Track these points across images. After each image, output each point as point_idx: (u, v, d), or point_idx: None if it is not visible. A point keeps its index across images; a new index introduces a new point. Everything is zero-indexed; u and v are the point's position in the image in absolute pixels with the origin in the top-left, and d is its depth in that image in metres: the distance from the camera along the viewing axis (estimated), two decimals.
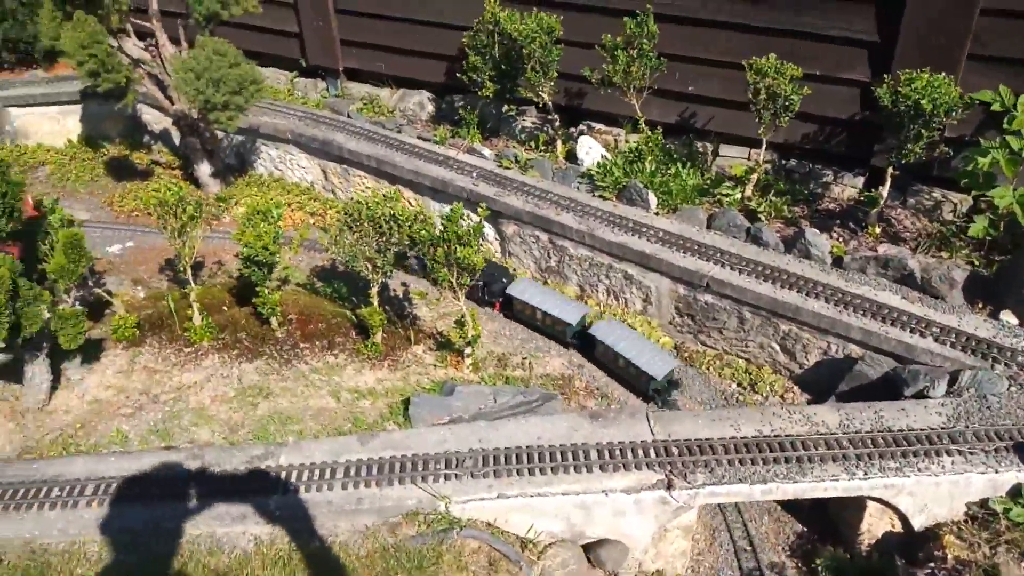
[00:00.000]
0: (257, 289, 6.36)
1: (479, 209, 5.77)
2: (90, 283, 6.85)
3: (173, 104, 8.28)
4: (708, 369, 6.77)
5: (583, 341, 6.73)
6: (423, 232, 5.79)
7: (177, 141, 9.92)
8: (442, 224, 5.72)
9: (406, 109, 9.17)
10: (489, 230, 7.81)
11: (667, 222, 7.07)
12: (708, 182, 7.56)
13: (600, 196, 7.43)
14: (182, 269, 6.43)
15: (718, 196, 7.39)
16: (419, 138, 8.52)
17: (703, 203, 7.38)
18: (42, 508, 4.82)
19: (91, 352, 6.32)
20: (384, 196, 6.17)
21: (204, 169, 8.88)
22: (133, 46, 8.06)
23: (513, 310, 7.08)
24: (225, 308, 7.04)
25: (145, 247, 8.28)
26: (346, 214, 6.16)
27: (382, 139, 8.45)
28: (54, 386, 6.01)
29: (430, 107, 9.17)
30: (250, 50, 8.25)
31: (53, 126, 10.16)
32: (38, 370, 5.77)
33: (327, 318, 6.93)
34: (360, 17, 9.03)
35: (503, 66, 7.86)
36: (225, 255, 8.16)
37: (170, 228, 6.17)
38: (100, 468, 5.05)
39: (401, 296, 7.53)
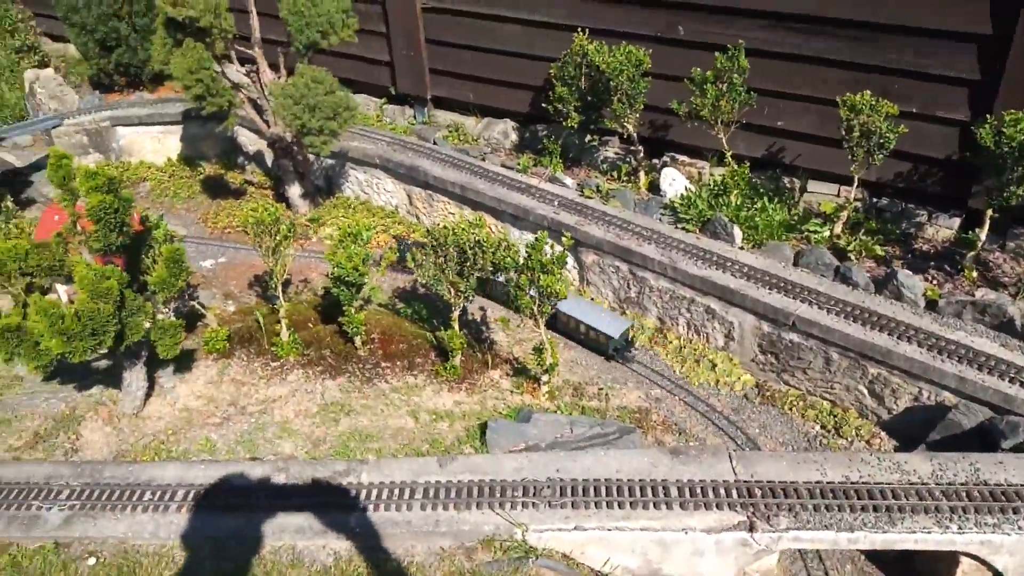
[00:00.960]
0: (344, 308, 6.54)
1: (563, 238, 5.80)
2: (185, 295, 7.18)
3: (270, 127, 8.64)
4: (791, 410, 6.59)
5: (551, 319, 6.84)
6: (508, 259, 5.86)
7: (270, 163, 10.34)
8: (526, 252, 5.78)
9: (490, 137, 9.32)
10: (568, 258, 7.84)
11: (752, 257, 6.96)
12: (795, 218, 7.43)
13: (683, 228, 7.38)
14: (273, 286, 6.67)
15: (806, 233, 7.24)
16: (502, 166, 8.65)
17: (790, 239, 7.24)
18: (135, 511, 5.01)
19: (183, 362, 6.59)
20: (469, 223, 6.28)
21: (295, 190, 9.21)
22: (235, 72, 8.46)
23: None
24: (311, 325, 7.25)
25: (236, 262, 8.62)
26: (432, 238, 6.29)
27: (466, 166, 8.61)
28: (148, 393, 6.29)
29: (513, 136, 9.31)
30: (343, 77, 8.55)
31: (155, 145, 10.72)
32: (135, 377, 6.04)
33: (408, 339, 7.06)
34: (450, 48, 9.26)
35: (589, 97, 7.94)
36: (311, 273, 8.42)
37: (264, 247, 6.41)
38: (189, 475, 5.24)
39: (479, 320, 7.62)
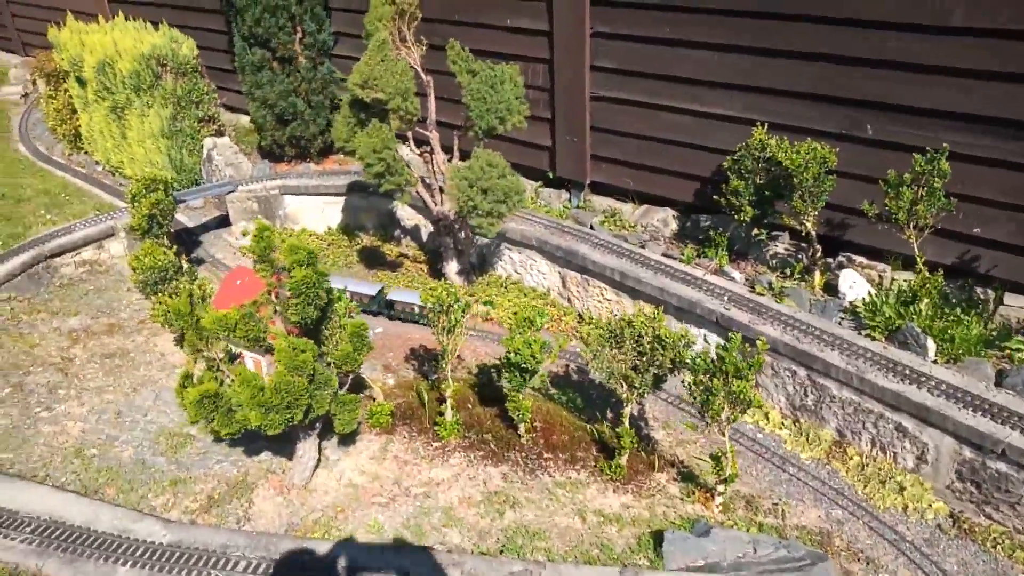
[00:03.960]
0: (510, 394, 6.43)
1: (759, 342, 5.51)
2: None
3: (437, 206, 8.84)
4: (994, 548, 5.91)
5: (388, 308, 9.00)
6: (699, 361, 5.60)
7: (425, 237, 10.59)
8: (717, 353, 5.52)
9: (648, 225, 9.20)
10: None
11: (948, 373, 6.42)
12: (992, 333, 6.85)
13: (868, 335, 6.93)
14: (443, 366, 6.65)
15: (1007, 350, 6.65)
16: (664, 255, 8.47)
17: (989, 356, 6.66)
18: None
19: (348, 435, 6.62)
20: (647, 315, 6.09)
21: (452, 267, 9.34)
22: (409, 151, 8.74)
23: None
24: (470, 406, 7.18)
25: (393, 334, 8.73)
26: (608, 330, 6.13)
27: (626, 253, 8.49)
28: (316, 464, 6.32)
29: (673, 224, 9.15)
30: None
31: (318, 214, 11.19)
32: (308, 449, 6.10)
33: (569, 430, 6.86)
34: (614, 135, 9.30)
35: (766, 192, 7.71)
36: (465, 351, 8.42)
37: (440, 326, 6.43)
38: (362, 558, 5.15)
39: (636, 415, 7.35)
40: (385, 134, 7.99)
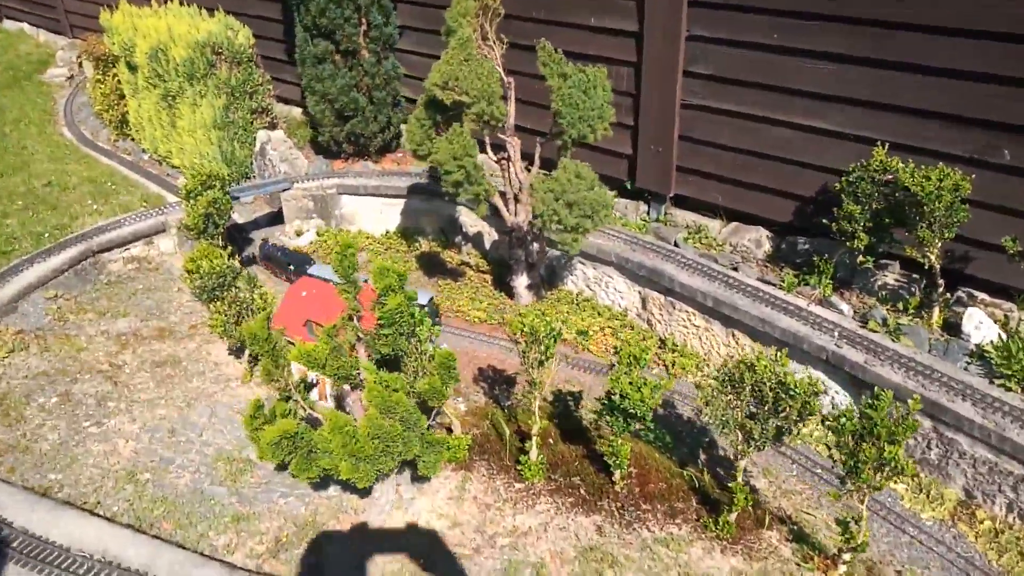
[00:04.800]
0: (610, 438, 5.80)
1: (911, 401, 4.83)
2: None
3: (512, 216, 8.22)
4: None
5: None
6: (847, 422, 4.92)
7: (488, 246, 9.97)
8: (862, 412, 4.85)
9: (738, 245, 8.51)
10: (843, 396, 6.84)
11: None
12: None
13: (1001, 385, 6.21)
14: (531, 401, 6.03)
15: None
16: (760, 280, 7.79)
17: None
18: None
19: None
20: (769, 358, 5.42)
21: (522, 280, 8.72)
22: (486, 158, 8.13)
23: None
24: (551, 441, 6.56)
25: (455, 348, 8.10)
26: (725, 374, 5.48)
27: (718, 276, 7.81)
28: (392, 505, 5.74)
29: (767, 246, 8.46)
30: None
31: (376, 216, 10.62)
32: (387, 489, 5.52)
33: (665, 476, 6.21)
34: (704, 146, 8.61)
35: (886, 218, 7.00)
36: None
37: (531, 358, 5.81)
38: None
39: (732, 456, 6.69)
40: (466, 140, 7.38)
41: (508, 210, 8.26)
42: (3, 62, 18.55)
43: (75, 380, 7.24)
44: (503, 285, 9.22)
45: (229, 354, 7.82)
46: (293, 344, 5.56)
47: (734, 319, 7.47)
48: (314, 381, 5.78)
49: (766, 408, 5.34)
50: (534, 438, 6.09)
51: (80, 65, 17.75)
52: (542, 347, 5.75)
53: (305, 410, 5.20)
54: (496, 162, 8.20)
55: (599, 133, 7.51)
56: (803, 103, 7.69)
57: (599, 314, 8.65)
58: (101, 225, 9.44)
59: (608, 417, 5.63)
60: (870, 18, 6.97)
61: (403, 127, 11.67)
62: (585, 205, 7.25)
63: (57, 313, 8.22)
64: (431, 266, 9.97)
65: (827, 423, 5.07)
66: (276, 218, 11.11)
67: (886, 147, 7.00)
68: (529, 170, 8.15)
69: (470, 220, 10.12)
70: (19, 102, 15.92)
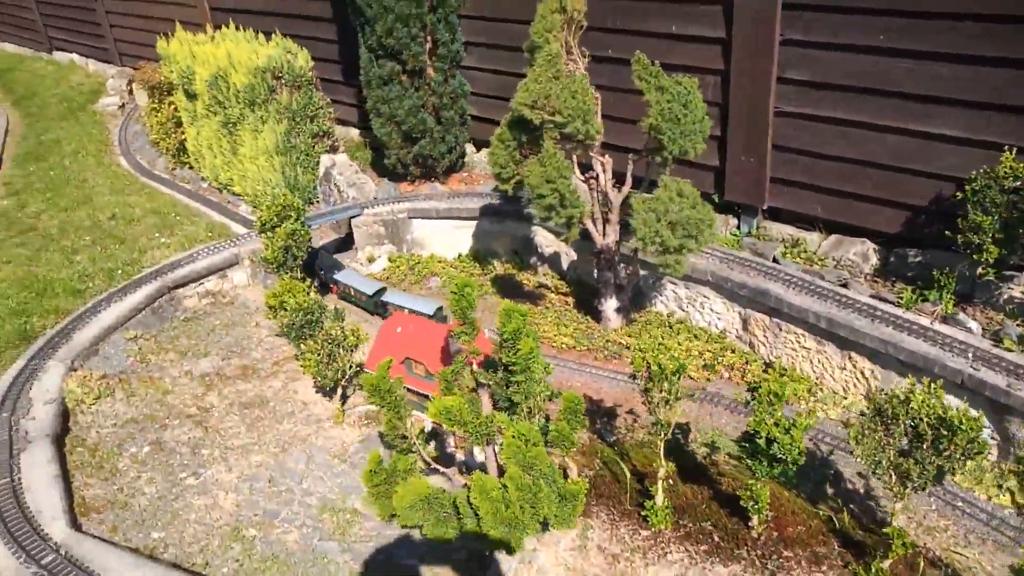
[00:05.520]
0: (748, 482, 5.38)
1: None
2: None
3: (602, 238, 7.84)
4: None
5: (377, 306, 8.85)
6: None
7: (565, 266, 9.60)
8: None
9: (842, 259, 8.03)
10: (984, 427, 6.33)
11: None
12: None
13: None
14: (658, 444, 5.63)
15: None
16: (875, 297, 7.31)
17: None
18: None
19: None
20: (924, 391, 4.97)
21: (611, 304, 8.33)
22: (573, 178, 7.76)
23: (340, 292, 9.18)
24: (670, 481, 6.15)
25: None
26: (874, 409, 5.04)
27: (829, 294, 7.35)
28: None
29: (874, 259, 7.96)
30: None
31: (447, 239, 10.32)
32: None
33: (802, 517, 5.77)
34: (801, 156, 8.16)
35: (1020, 229, 6.50)
36: (636, 403, 7.41)
37: (656, 398, 5.41)
38: None
39: (864, 492, 6.23)
40: (560, 161, 7.03)
41: (597, 231, 7.88)
42: (57, 94, 18.68)
43: (165, 427, 7.01)
44: (587, 307, 8.84)
45: (316, 392, 7.56)
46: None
47: (851, 341, 6.99)
48: (438, 431, 5.45)
49: (924, 446, 4.88)
50: (660, 482, 5.69)
51: (131, 93, 17.79)
52: (668, 384, 5.36)
53: (428, 463, 4.86)
54: (584, 182, 7.83)
55: (700, 148, 7.11)
56: (914, 107, 7.21)
57: (696, 337, 8.22)
58: (175, 260, 9.26)
59: (751, 461, 5.21)
60: (993, 13, 6.48)
61: (468, 146, 11.41)
62: (689, 225, 6.85)
63: (139, 354, 8.02)
64: (507, 289, 9.63)
65: (1010, 467, 4.60)
66: (344, 244, 10.88)
67: (1013, 152, 6.50)
68: (619, 189, 7.77)
69: (545, 240, 9.75)
70: (76, 133, 15.96)
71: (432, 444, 6.40)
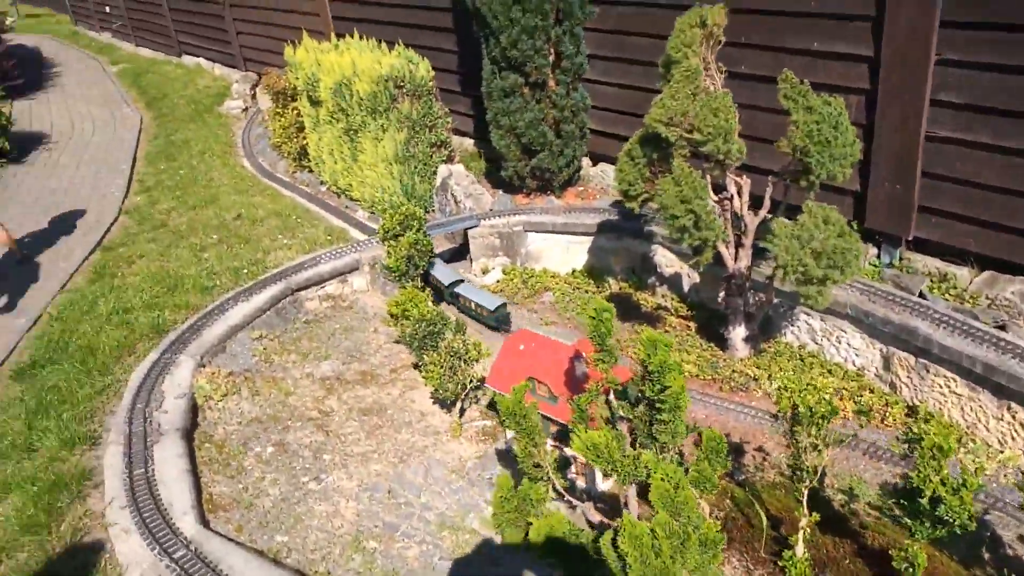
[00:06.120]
0: (905, 543, 4.97)
1: None
2: None
3: (734, 263, 7.51)
4: None
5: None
6: None
7: (687, 288, 9.28)
8: None
9: (998, 297, 7.41)
10: None
11: None
12: None
13: None
14: (801, 490, 5.27)
15: None
16: None
17: None
18: None
19: None
20: None
21: (739, 332, 7.97)
22: (709, 199, 7.46)
23: (458, 304, 9.01)
24: (806, 529, 5.77)
25: None
26: None
27: (986, 337, 6.77)
28: None
29: None
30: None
31: (562, 254, 10.17)
32: None
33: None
34: (954, 184, 7.61)
35: None
36: (764, 439, 7.03)
37: (803, 443, 5.07)
38: None
39: (992, 537, 5.66)
40: (696, 181, 6.76)
41: (730, 255, 7.55)
42: (185, 96, 19.64)
43: (287, 428, 7.11)
44: (710, 333, 8.50)
45: (433, 403, 7.52)
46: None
47: (1011, 389, 6.41)
48: (570, 458, 5.29)
49: None
50: (801, 532, 5.32)
51: (254, 97, 18.51)
52: (816, 429, 5.01)
53: (561, 494, 4.69)
54: (717, 203, 7.52)
55: (847, 173, 6.70)
56: None
57: (830, 372, 7.75)
58: (299, 262, 9.46)
59: (911, 521, 4.79)
60: None
61: (584, 160, 11.24)
62: (835, 255, 6.44)
63: (263, 354, 8.20)
64: (624, 309, 9.36)
65: None
66: (457, 254, 10.89)
67: None
68: (753, 211, 7.42)
69: (666, 260, 9.46)
70: (202, 135, 16.69)
71: None
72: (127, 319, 8.61)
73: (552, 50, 9.99)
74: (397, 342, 8.36)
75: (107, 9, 29.60)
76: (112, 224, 12.12)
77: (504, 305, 8.79)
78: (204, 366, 7.73)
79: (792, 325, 8.25)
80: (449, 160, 12.05)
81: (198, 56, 23.11)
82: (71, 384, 7.32)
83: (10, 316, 9.03)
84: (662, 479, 3.94)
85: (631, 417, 4.59)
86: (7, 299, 9.43)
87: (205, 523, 5.81)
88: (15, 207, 13.20)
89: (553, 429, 6.44)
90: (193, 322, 8.33)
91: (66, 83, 23.53)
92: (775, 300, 8.06)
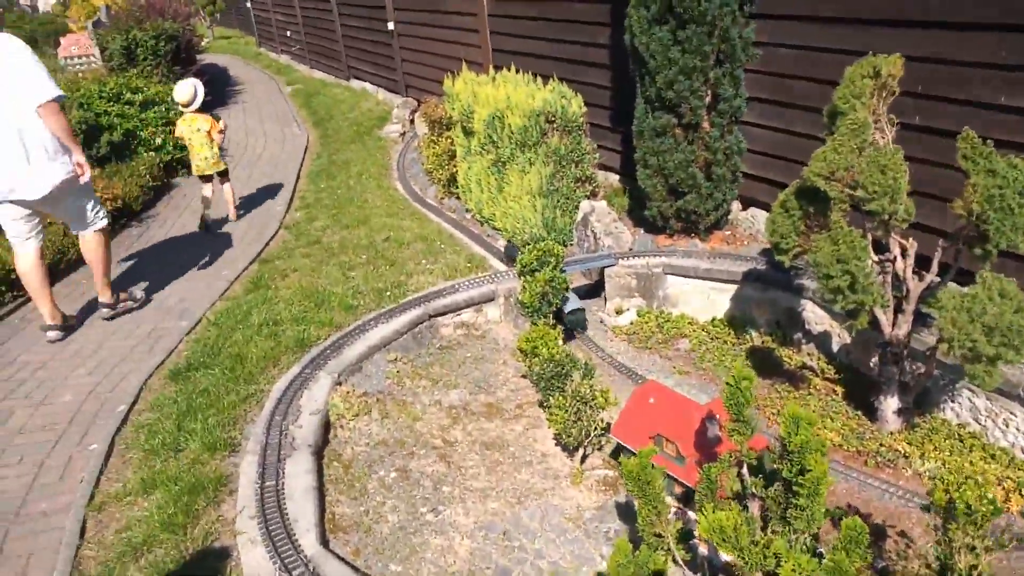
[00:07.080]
0: None
1: None
2: None
3: (892, 328, 6.94)
4: None
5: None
6: None
7: (836, 347, 8.68)
8: None
9: None
10: None
11: None
12: None
13: None
14: None
15: None
16: None
17: None
18: None
19: None
20: None
21: (891, 403, 7.34)
22: (868, 260, 6.95)
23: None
24: None
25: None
26: None
27: None
28: None
29: None
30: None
31: (702, 301, 9.82)
32: None
33: None
34: None
35: None
36: (911, 524, 6.39)
37: (959, 540, 4.54)
38: None
39: None
40: (855, 240, 6.32)
41: (887, 320, 6.99)
42: (350, 119, 20.81)
43: (411, 455, 7.24)
44: (859, 401, 7.88)
45: (555, 445, 7.42)
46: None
47: None
48: (690, 525, 5.04)
49: None
50: None
51: (412, 123, 19.33)
52: (975, 529, 4.47)
53: (680, 564, 4.46)
54: (877, 263, 6.99)
55: None
56: None
57: (992, 458, 6.97)
58: (439, 289, 9.70)
59: None
60: None
61: (735, 204, 10.85)
62: (1010, 332, 5.79)
63: (396, 377, 8.43)
64: (764, 365, 8.89)
65: None
66: (592, 291, 10.78)
67: None
68: (920, 275, 6.84)
69: (815, 316, 8.91)
70: (362, 156, 17.59)
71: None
72: (275, 331, 9.11)
73: (710, 92, 9.75)
74: (524, 376, 8.35)
75: (288, 33, 32.09)
76: (272, 237, 12.97)
77: (581, 310, 9.17)
78: (340, 384, 8.03)
79: (952, 401, 7.50)
80: (592, 195, 12.01)
81: (365, 80, 24.49)
82: (219, 390, 7.80)
83: (174, 318, 9.81)
84: (793, 570, 3.64)
85: (764, 497, 4.29)
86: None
87: (325, 542, 5.98)
88: (189, 215, 14.43)
89: (678, 491, 6.18)
90: (335, 339, 8.69)
91: (246, 100, 25.61)
92: (935, 372, 7.38)
